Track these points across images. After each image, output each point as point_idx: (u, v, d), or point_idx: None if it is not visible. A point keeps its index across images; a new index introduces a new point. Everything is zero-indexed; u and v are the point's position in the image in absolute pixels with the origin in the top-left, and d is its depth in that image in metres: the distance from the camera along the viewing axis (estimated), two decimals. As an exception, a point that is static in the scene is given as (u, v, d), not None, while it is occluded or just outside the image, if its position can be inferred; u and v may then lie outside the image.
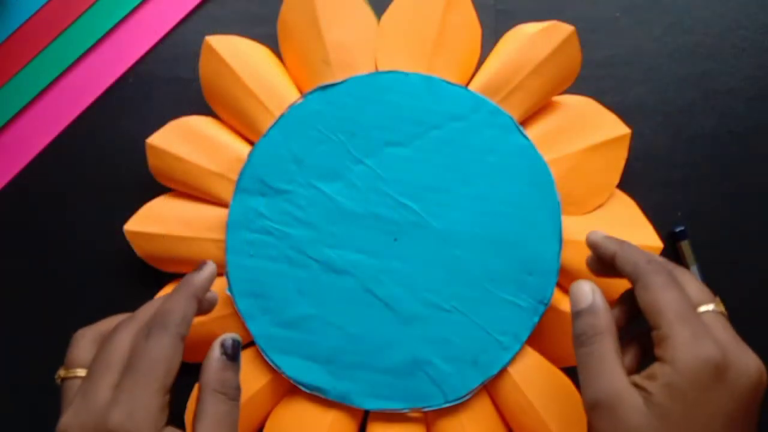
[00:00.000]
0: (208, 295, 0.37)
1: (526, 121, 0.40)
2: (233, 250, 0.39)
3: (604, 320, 0.31)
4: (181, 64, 0.43)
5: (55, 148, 0.43)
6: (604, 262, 0.35)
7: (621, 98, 0.42)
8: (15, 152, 0.43)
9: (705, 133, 0.43)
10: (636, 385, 0.30)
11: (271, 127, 0.39)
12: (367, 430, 0.40)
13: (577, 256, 0.38)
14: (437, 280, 0.39)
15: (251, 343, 0.39)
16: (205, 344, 0.33)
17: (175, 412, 0.32)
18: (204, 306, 0.36)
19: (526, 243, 0.39)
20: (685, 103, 0.43)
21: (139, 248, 0.40)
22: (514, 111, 0.39)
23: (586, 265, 0.36)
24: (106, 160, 0.43)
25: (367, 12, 0.40)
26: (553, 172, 0.39)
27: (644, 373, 0.30)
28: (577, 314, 0.32)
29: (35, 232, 0.43)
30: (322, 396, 0.39)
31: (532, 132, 0.40)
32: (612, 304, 0.33)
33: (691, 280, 0.33)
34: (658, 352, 0.30)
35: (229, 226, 0.39)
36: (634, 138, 0.41)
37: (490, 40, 0.41)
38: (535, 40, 0.39)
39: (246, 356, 0.39)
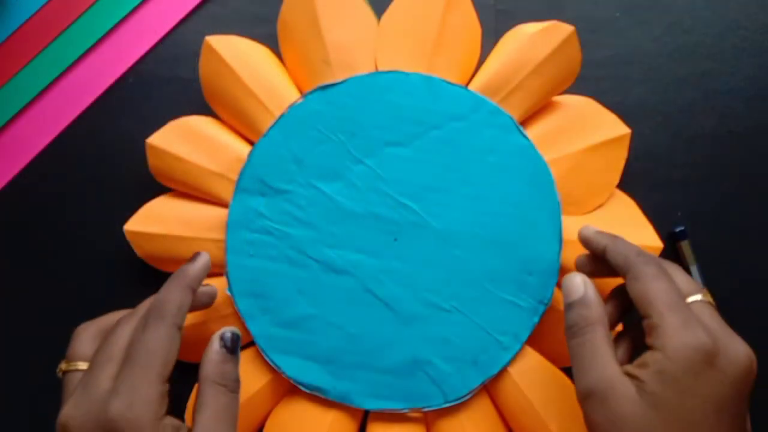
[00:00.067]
0: (208, 288, 0.37)
1: (526, 121, 0.40)
2: (233, 250, 0.39)
3: (596, 311, 0.32)
4: (181, 64, 0.43)
5: (55, 148, 0.43)
6: (595, 258, 0.35)
7: (621, 98, 0.42)
8: (15, 152, 0.43)
9: (705, 133, 0.43)
10: (628, 375, 0.30)
11: (271, 127, 0.39)
12: (367, 430, 0.40)
13: (577, 256, 0.38)
14: (437, 280, 0.39)
15: (251, 343, 0.39)
16: (205, 344, 0.33)
17: (175, 412, 0.32)
18: (204, 300, 0.37)
19: (526, 243, 0.39)
20: (685, 103, 0.43)
21: (139, 248, 0.40)
22: (514, 111, 0.39)
23: (575, 266, 0.36)
24: (106, 160, 0.43)
25: (367, 12, 0.40)
26: (553, 172, 0.39)
27: (636, 362, 0.31)
28: (569, 306, 0.33)
29: (35, 232, 0.43)
30: (322, 396, 0.39)
31: (532, 132, 0.40)
32: (604, 300, 0.34)
33: (678, 272, 0.33)
34: (649, 340, 0.30)
35: (229, 226, 0.39)
36: (634, 138, 0.41)
37: (490, 40, 0.41)
38: (535, 40, 0.39)
39: (246, 356, 0.39)
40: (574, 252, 0.39)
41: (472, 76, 0.41)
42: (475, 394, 0.39)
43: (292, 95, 0.40)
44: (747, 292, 0.42)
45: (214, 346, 0.32)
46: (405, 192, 0.39)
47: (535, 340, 0.39)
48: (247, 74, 0.39)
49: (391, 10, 0.40)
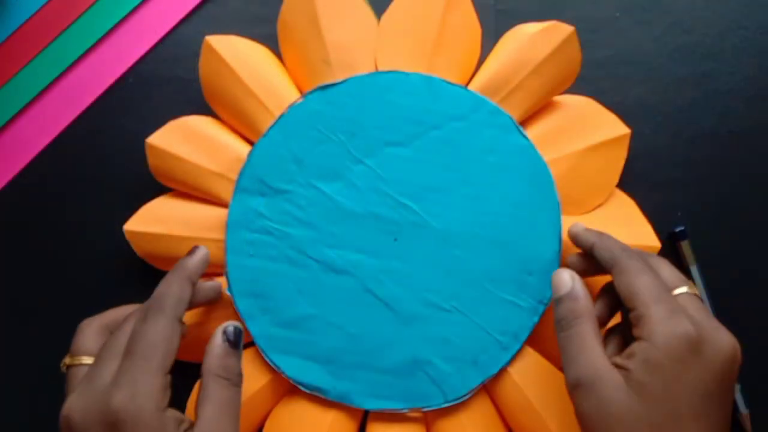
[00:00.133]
0: (212, 283, 0.37)
1: (526, 121, 0.40)
2: (233, 250, 0.39)
3: (583, 305, 0.33)
4: (181, 64, 0.43)
5: (55, 148, 0.43)
6: (586, 257, 0.36)
7: (621, 98, 0.42)
8: (15, 152, 0.43)
9: (705, 133, 0.43)
10: (616, 365, 0.31)
11: (271, 127, 0.39)
12: (367, 430, 0.40)
13: (577, 256, 0.38)
14: (437, 280, 0.39)
15: (251, 343, 0.39)
16: (205, 344, 0.33)
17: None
18: (210, 294, 0.37)
19: (526, 243, 0.39)
20: (685, 103, 0.43)
21: (139, 248, 0.40)
22: (514, 111, 0.39)
23: (567, 265, 0.37)
24: (106, 160, 0.43)
25: (367, 12, 0.40)
26: (553, 172, 0.39)
27: (623, 353, 0.31)
28: (557, 301, 0.34)
29: (35, 232, 0.43)
30: (322, 396, 0.39)
31: (532, 132, 0.40)
32: (594, 298, 0.35)
33: (665, 266, 0.34)
34: (635, 332, 0.31)
35: (229, 226, 0.39)
36: (634, 138, 0.41)
37: (490, 40, 0.41)
38: (535, 40, 0.39)
39: (246, 356, 0.39)
40: (573, 252, 0.38)
41: (472, 76, 0.41)
42: (474, 394, 0.39)
43: (292, 95, 0.40)
44: (747, 292, 0.42)
45: (217, 340, 0.33)
46: (405, 192, 0.39)
47: (535, 340, 0.39)
48: (247, 74, 0.39)
49: (391, 10, 0.40)
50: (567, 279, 0.34)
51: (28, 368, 0.42)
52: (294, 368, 0.39)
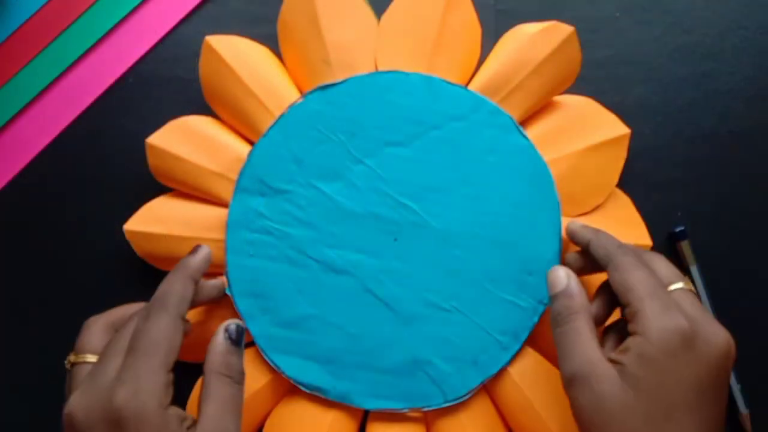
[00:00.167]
0: (216, 281, 0.38)
1: (526, 121, 0.40)
2: (233, 250, 0.39)
3: (579, 302, 0.33)
4: (181, 64, 0.43)
5: (55, 148, 0.43)
6: (584, 255, 0.36)
7: (621, 98, 0.42)
8: (15, 152, 0.43)
9: (705, 133, 0.43)
10: (611, 360, 0.31)
11: (271, 127, 0.39)
12: (367, 430, 0.40)
13: (577, 256, 0.38)
14: (437, 280, 0.39)
15: (251, 343, 0.39)
16: (206, 344, 0.33)
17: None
18: (213, 293, 0.37)
19: (526, 243, 0.39)
20: (685, 103, 0.43)
21: (139, 248, 0.40)
22: (514, 111, 0.39)
23: (566, 263, 0.37)
24: (106, 160, 0.43)
25: (367, 12, 0.40)
26: (553, 172, 0.39)
27: (618, 348, 0.32)
28: (553, 297, 0.34)
29: (35, 232, 0.43)
30: (322, 396, 0.39)
31: (532, 132, 0.40)
32: (592, 297, 0.35)
33: (661, 262, 0.34)
34: (630, 327, 0.31)
35: (229, 226, 0.39)
36: (634, 138, 0.40)
37: (490, 40, 0.41)
38: (535, 40, 0.39)
39: (246, 356, 0.39)
40: (573, 251, 0.39)
41: (472, 76, 0.41)
42: (474, 394, 0.39)
43: (292, 95, 0.40)
44: (747, 292, 0.42)
45: (219, 338, 0.33)
46: (405, 192, 0.39)
47: (535, 340, 0.39)
48: (247, 74, 0.39)
49: (391, 10, 0.40)
50: (563, 276, 0.34)
51: (28, 368, 0.42)
52: (294, 368, 0.39)
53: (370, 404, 0.39)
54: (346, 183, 0.39)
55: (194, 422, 0.31)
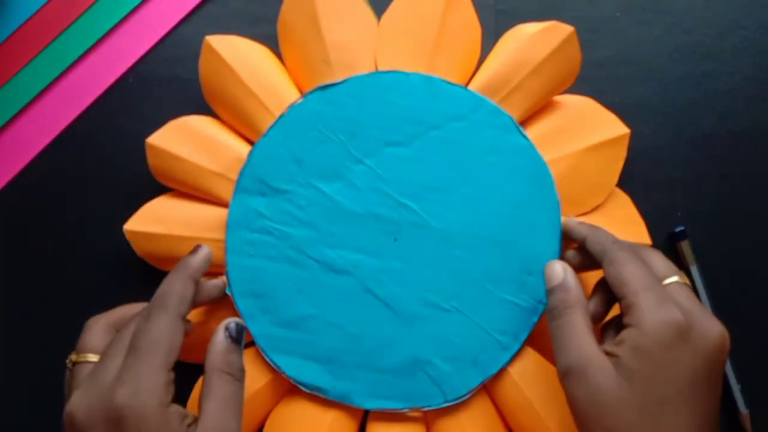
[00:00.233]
0: (216, 281, 0.38)
1: (526, 121, 0.40)
2: (233, 250, 0.39)
3: (574, 296, 0.33)
4: (181, 64, 0.43)
5: (55, 148, 0.43)
6: (582, 251, 0.37)
7: (621, 98, 0.42)
8: (15, 152, 0.43)
9: (705, 133, 0.43)
10: (606, 353, 0.31)
11: (271, 127, 0.39)
12: (367, 430, 0.40)
13: (577, 256, 0.38)
14: (437, 280, 0.39)
15: (251, 343, 0.39)
16: (206, 344, 0.33)
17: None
18: (213, 293, 0.38)
19: (526, 243, 0.39)
20: (685, 103, 0.43)
21: (139, 248, 0.40)
22: (514, 111, 0.39)
23: (565, 259, 0.37)
24: (106, 160, 0.43)
25: (367, 12, 0.40)
26: (553, 172, 0.39)
27: (614, 340, 0.32)
28: (549, 291, 0.34)
29: (35, 232, 0.43)
30: (322, 396, 0.39)
31: (532, 132, 0.40)
32: (589, 293, 0.36)
33: (656, 256, 0.35)
34: (625, 320, 0.32)
35: (229, 226, 0.39)
36: (634, 138, 0.40)
37: (490, 40, 0.41)
38: (535, 40, 0.39)
39: (246, 356, 0.39)
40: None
41: (472, 76, 0.41)
42: (474, 394, 0.39)
43: (292, 95, 0.40)
44: (747, 292, 0.42)
45: (220, 336, 0.33)
46: (405, 192, 0.39)
47: (535, 339, 0.39)
48: (247, 74, 0.39)
49: (391, 10, 0.40)
50: (559, 270, 0.34)
51: (28, 368, 0.42)
52: (294, 368, 0.39)
53: (370, 404, 0.39)
54: (346, 183, 0.39)
55: (195, 420, 0.31)
